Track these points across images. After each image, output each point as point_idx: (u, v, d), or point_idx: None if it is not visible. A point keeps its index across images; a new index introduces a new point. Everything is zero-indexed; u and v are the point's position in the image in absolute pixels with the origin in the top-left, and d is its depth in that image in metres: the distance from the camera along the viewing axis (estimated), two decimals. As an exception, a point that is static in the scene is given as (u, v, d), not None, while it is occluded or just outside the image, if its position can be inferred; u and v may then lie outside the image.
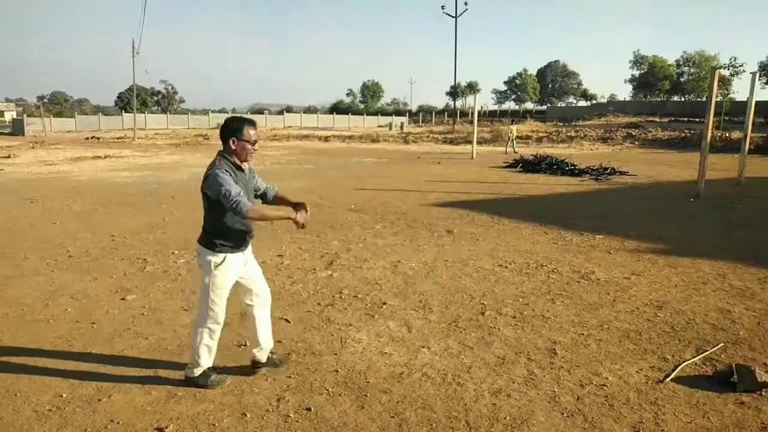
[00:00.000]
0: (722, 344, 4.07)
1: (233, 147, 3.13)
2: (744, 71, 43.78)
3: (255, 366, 3.54)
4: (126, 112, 56.71)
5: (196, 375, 3.32)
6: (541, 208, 10.12)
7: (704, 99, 52.47)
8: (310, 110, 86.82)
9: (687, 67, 67.46)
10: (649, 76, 70.50)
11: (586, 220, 8.83)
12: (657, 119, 46.43)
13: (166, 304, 4.91)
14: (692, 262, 6.29)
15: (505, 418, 3.04)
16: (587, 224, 8.42)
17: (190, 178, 14.84)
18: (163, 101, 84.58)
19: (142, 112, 58.04)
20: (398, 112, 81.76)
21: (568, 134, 32.39)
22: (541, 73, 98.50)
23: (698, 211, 9.90)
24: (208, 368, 3.36)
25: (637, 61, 73.72)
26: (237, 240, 3.20)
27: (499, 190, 12.62)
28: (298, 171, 17.04)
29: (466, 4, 45.84)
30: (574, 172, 15.64)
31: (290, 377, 3.51)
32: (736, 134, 25.21)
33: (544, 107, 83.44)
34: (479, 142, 29.75)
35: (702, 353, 3.90)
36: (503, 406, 3.18)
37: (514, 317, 4.60)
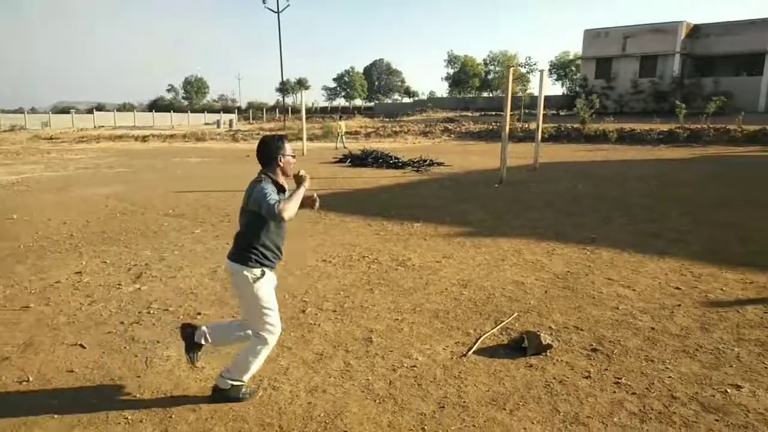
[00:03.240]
0: (516, 314, 4.55)
1: (281, 164, 3.09)
2: (537, 69, 50.03)
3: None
4: None
5: (228, 388, 3.16)
6: (367, 201, 10.44)
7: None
8: (125, 108, 79.33)
9: (493, 66, 75.16)
10: (462, 74, 77.16)
11: (407, 209, 9.32)
12: (470, 113, 50.97)
13: None
14: (494, 242, 6.97)
15: (319, 416, 3.03)
16: (407, 214, 8.88)
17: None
18: (-65, 100, 70.61)
19: None
20: (227, 109, 78.65)
21: (394, 129, 34.05)
22: (368, 71, 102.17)
23: (501, 195, 11.03)
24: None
25: (451, 60, 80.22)
26: (272, 257, 3.14)
27: (327, 185, 12.74)
28: (108, 175, 15.39)
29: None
30: (397, 164, 16.45)
31: (81, 411, 3.11)
32: (534, 125, 28.64)
33: (372, 104, 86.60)
34: (310, 139, 29.88)
35: (499, 324, 4.31)
36: (318, 403, 3.17)
37: (335, 311, 4.65)
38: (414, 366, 3.62)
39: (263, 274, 3.08)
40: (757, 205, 9.30)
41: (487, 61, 75.96)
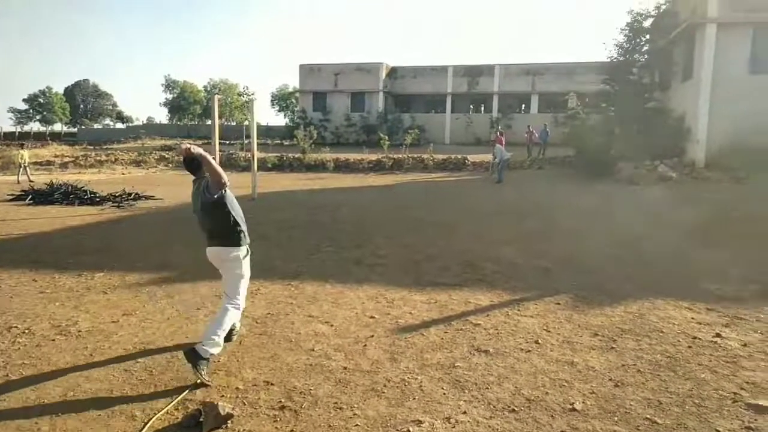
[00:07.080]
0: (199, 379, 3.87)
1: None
2: (255, 99, 50.67)
3: None
4: None
5: (212, 353, 3.79)
6: (39, 249, 8.45)
7: (233, 123, 58.36)
8: None
9: (215, 94, 73.79)
10: (182, 100, 73.65)
11: (91, 256, 7.80)
12: (191, 142, 48.62)
13: None
14: (193, 287, 6.20)
15: None
16: (90, 262, 7.40)
17: None
18: None
19: None
20: None
21: (99, 158, 29.93)
22: (70, 92, 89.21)
23: (213, 229, 10.26)
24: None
25: (169, 85, 75.91)
26: (247, 233, 4.09)
27: (-11, 231, 10.06)
28: None
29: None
30: (94, 200, 14.16)
31: None
32: (261, 154, 28.48)
33: (76, 129, 75.82)
34: (-18, 171, 24.22)
35: (175, 399, 3.57)
36: None
37: (-67, 422, 3.26)
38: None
39: (248, 252, 3.95)
40: (444, 224, 10.56)
41: (208, 88, 74.19)
